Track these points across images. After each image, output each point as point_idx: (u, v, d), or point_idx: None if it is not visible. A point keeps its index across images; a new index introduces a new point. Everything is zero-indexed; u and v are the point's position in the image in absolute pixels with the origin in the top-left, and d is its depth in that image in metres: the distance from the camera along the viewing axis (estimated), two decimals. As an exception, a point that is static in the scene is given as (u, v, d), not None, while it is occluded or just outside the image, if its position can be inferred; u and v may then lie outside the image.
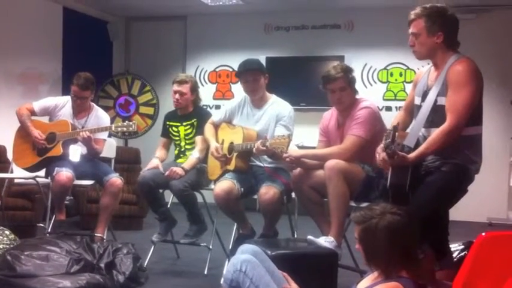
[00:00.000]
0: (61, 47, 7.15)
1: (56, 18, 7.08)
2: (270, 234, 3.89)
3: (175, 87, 4.39)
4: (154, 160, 4.37)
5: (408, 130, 3.15)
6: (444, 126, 2.87)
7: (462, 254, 3.18)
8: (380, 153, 3.00)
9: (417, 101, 3.11)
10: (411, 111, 3.22)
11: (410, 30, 3.04)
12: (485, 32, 7.01)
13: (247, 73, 3.97)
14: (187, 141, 4.43)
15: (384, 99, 7.39)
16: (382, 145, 2.98)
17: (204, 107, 7.47)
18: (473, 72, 2.89)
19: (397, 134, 2.86)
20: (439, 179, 2.90)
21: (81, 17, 7.49)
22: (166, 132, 4.56)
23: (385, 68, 7.47)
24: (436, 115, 2.93)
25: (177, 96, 4.37)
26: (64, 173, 4.24)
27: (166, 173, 4.12)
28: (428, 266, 2.78)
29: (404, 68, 7.35)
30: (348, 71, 3.67)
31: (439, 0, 3.38)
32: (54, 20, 7.06)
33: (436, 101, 2.94)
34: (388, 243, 2.16)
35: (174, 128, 4.49)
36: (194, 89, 4.43)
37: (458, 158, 2.91)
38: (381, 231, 2.16)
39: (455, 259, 3.15)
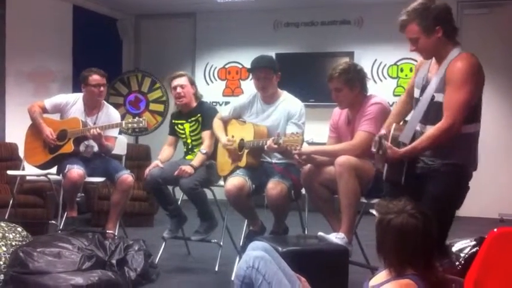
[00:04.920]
0: (71, 45, 7.19)
1: (66, 16, 7.12)
2: (280, 231, 3.89)
3: (174, 82, 4.39)
4: (155, 161, 4.41)
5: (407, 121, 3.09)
6: (440, 124, 2.77)
7: (474, 250, 3.15)
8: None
9: (416, 93, 3.02)
10: (412, 96, 3.10)
11: (407, 36, 2.92)
12: (497, 26, 6.96)
13: (259, 70, 3.96)
14: (193, 138, 4.43)
15: (394, 95, 7.35)
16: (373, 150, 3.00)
17: (214, 103, 7.55)
18: (474, 69, 2.78)
19: (384, 142, 2.87)
20: (438, 187, 2.82)
21: (91, 15, 7.51)
22: (173, 131, 4.57)
23: (395, 64, 7.44)
24: (433, 112, 2.85)
25: (178, 90, 4.35)
26: (75, 170, 4.26)
27: (176, 172, 4.12)
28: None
29: (415, 63, 7.27)
30: (346, 71, 3.58)
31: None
32: (64, 18, 7.09)
33: (433, 96, 2.86)
34: (395, 242, 2.15)
35: (180, 126, 4.49)
36: (192, 82, 4.45)
37: (457, 157, 2.83)
38: (392, 229, 2.15)
39: (466, 255, 3.12)
